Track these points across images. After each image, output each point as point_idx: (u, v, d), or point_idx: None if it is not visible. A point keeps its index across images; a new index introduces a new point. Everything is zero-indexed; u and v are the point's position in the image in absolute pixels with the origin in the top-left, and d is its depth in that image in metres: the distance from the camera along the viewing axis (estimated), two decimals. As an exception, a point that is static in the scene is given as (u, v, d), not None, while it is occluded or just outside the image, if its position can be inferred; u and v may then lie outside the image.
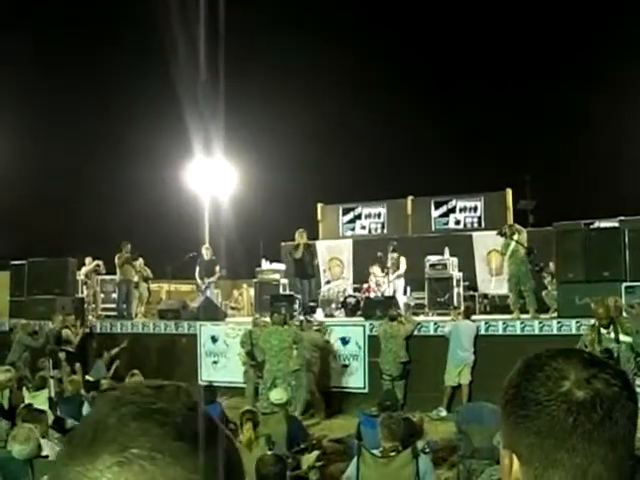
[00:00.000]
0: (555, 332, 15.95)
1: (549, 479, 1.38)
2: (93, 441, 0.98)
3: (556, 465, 1.37)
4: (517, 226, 18.28)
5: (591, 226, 20.27)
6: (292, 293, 21.53)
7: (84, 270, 23.59)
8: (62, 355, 17.79)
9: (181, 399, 1.05)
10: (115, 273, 22.34)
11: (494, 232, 22.45)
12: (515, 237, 17.42)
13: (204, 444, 1.00)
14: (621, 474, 1.38)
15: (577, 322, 15.72)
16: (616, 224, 19.39)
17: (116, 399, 1.04)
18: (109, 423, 0.99)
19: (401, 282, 20.77)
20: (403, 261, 20.57)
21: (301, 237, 20.63)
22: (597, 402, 1.37)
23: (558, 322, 16.17)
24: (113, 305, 23.07)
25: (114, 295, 23.25)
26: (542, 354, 1.47)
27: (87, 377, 16.95)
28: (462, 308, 17.82)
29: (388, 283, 20.42)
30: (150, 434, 0.98)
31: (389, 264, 20.61)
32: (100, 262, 23.53)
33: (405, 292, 21.15)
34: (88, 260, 23.66)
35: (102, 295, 24.25)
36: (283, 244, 26.64)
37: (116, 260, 21.68)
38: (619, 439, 1.37)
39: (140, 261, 22.69)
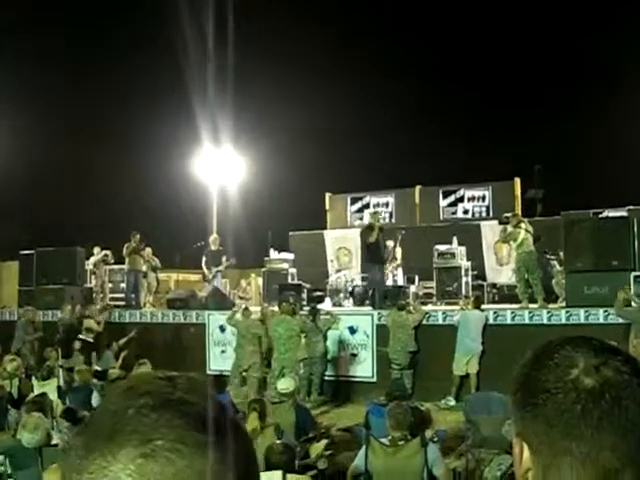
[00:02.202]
0: (564, 322, 15.91)
1: (558, 467, 1.38)
2: (113, 432, 0.96)
3: (565, 453, 1.37)
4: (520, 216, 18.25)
5: (600, 215, 20.23)
6: (300, 282, 21.54)
7: (92, 260, 23.63)
8: (77, 344, 17.88)
9: (197, 389, 1.04)
10: (124, 263, 22.38)
11: (503, 221, 22.52)
12: (523, 225, 17.36)
13: (223, 435, 0.99)
14: (631, 463, 1.37)
15: (585, 311, 15.70)
16: (625, 213, 19.36)
17: (131, 389, 1.02)
18: (128, 414, 0.98)
19: (400, 272, 20.77)
20: (399, 251, 20.57)
21: (375, 220, 19.31)
22: (606, 389, 1.36)
23: (566, 312, 16.12)
24: (122, 295, 23.12)
25: (122, 285, 23.29)
26: (552, 342, 1.47)
27: (95, 367, 16.99)
28: (472, 297, 17.77)
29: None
30: (172, 425, 0.97)
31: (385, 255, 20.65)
32: (109, 252, 23.57)
33: (412, 281, 21.15)
34: (97, 250, 23.70)
35: (110, 285, 24.31)
36: (291, 233, 26.70)
37: (124, 250, 21.71)
38: (629, 427, 1.36)
39: (148, 251, 22.70)
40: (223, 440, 0.99)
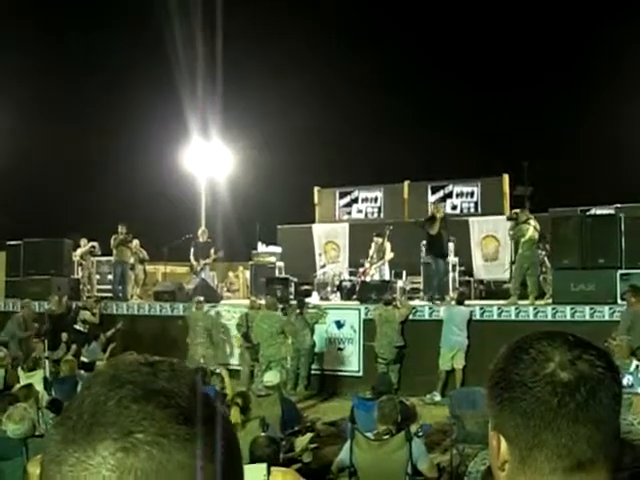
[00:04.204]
0: (550, 318, 15.98)
1: (535, 459, 1.40)
2: (93, 424, 0.95)
3: (541, 445, 1.39)
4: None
5: (587, 213, 20.28)
6: (288, 276, 21.53)
7: (79, 251, 23.54)
8: (64, 336, 17.88)
9: (180, 378, 1.02)
10: (111, 255, 22.34)
11: (490, 217, 22.53)
12: (532, 222, 17.39)
13: (206, 427, 0.98)
14: (606, 454, 1.40)
15: (572, 308, 15.78)
16: (612, 211, 19.42)
17: (112, 378, 1.00)
18: (108, 405, 0.95)
19: (386, 268, 20.76)
20: (388, 247, 20.53)
21: (437, 210, 18.84)
22: (581, 383, 1.39)
23: (553, 308, 16.20)
24: (109, 286, 23.06)
25: (110, 276, 23.22)
26: (528, 337, 1.49)
27: (82, 358, 16.98)
28: (456, 293, 17.81)
29: (370, 269, 20.49)
30: (153, 418, 0.95)
31: (372, 250, 20.65)
32: (96, 243, 23.49)
33: (399, 276, 21.16)
34: (84, 241, 23.61)
35: (97, 276, 24.24)
36: (279, 227, 26.69)
37: (112, 241, 21.67)
38: (603, 419, 1.39)
39: (136, 242, 22.63)
40: (206, 433, 0.97)
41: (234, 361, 17.81)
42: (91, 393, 0.99)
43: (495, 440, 1.46)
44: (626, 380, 9.02)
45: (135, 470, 0.92)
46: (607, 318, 15.27)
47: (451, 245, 20.81)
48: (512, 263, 20.19)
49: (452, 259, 20.73)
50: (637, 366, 8.76)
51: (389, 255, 20.57)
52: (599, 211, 20.39)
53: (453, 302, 16.93)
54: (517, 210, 18.36)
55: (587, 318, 15.58)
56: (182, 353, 18.34)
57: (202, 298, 18.65)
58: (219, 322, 19.03)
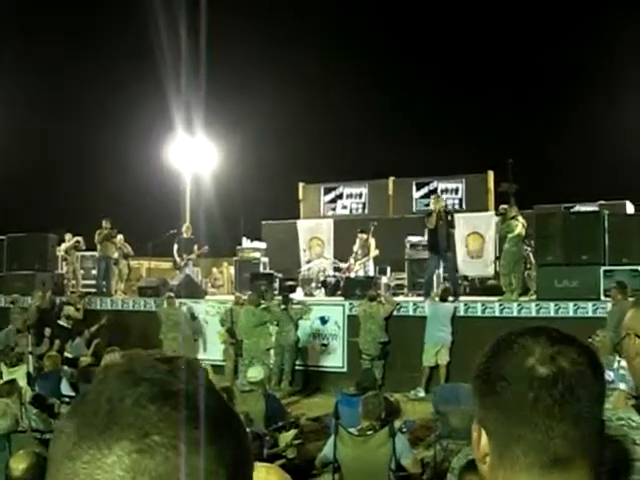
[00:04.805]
0: (534, 314, 16.02)
1: (512, 454, 1.41)
2: (109, 422, 0.94)
3: (518, 440, 1.40)
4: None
5: (571, 210, 20.32)
6: (272, 272, 21.53)
7: (64, 246, 23.47)
8: (47, 331, 17.83)
9: (197, 378, 1.01)
10: (95, 249, 22.27)
11: (475, 214, 22.55)
12: (520, 219, 17.42)
13: (221, 431, 0.98)
14: (585, 452, 1.40)
15: (556, 305, 15.82)
16: (596, 208, 19.46)
17: (127, 374, 0.99)
18: (125, 404, 0.95)
19: (371, 264, 20.76)
20: (372, 243, 20.52)
21: (437, 203, 18.37)
22: (559, 378, 1.39)
23: (537, 305, 16.25)
24: (93, 282, 23.01)
25: (94, 272, 23.17)
26: (513, 331, 1.50)
27: (66, 354, 16.94)
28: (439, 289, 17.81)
29: (355, 264, 20.51)
30: (170, 420, 0.94)
31: (356, 246, 20.65)
32: (80, 238, 23.40)
33: (384, 272, 21.17)
34: (68, 236, 23.53)
35: (82, 271, 24.16)
36: (264, 222, 26.67)
37: (96, 236, 21.60)
38: (582, 416, 1.39)
39: (120, 238, 22.57)
40: (221, 437, 0.98)
41: (217, 356, 17.78)
42: (106, 388, 0.98)
43: (476, 433, 1.47)
44: (607, 376, 9.04)
45: (150, 472, 0.92)
46: (591, 314, 15.31)
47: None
48: (497, 259, 20.26)
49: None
50: (619, 362, 8.79)
51: (374, 252, 20.59)
52: (583, 208, 20.42)
53: (437, 298, 16.95)
54: (505, 206, 18.36)
55: (571, 314, 15.63)
56: (166, 349, 18.35)
57: (172, 294, 18.72)
58: (190, 317, 19.09)
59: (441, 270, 18.89)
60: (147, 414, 0.94)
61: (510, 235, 17.37)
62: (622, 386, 8.04)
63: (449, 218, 18.06)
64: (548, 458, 1.39)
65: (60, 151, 35.68)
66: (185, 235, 22.38)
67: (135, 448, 0.92)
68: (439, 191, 25.53)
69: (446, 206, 19.54)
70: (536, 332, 1.48)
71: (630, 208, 21.21)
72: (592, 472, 1.42)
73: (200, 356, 17.63)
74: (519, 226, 17.28)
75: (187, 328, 18.52)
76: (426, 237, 20.17)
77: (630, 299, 13.72)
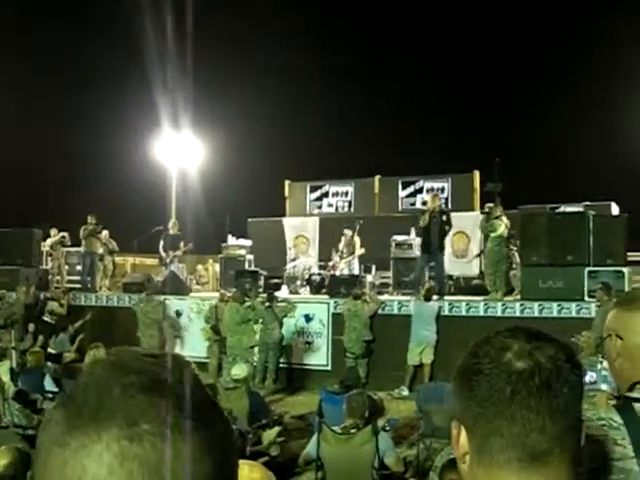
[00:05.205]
0: (518, 314, 16.09)
1: (490, 449, 1.42)
2: (98, 411, 0.95)
3: (496, 434, 1.41)
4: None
5: (556, 210, 20.39)
6: (257, 269, 21.52)
7: (49, 241, 23.40)
8: (31, 327, 17.79)
9: (183, 371, 1.03)
10: (80, 245, 22.21)
11: (461, 214, 22.56)
12: (504, 219, 17.45)
13: (207, 421, 1.00)
14: (563, 447, 1.41)
15: (540, 305, 15.90)
16: (581, 209, 19.52)
17: (115, 365, 1.01)
18: (114, 393, 0.97)
19: (356, 262, 20.79)
20: (357, 241, 20.55)
21: (432, 201, 18.48)
22: (536, 372, 1.41)
23: (521, 304, 16.32)
24: (77, 277, 22.95)
25: (78, 267, 23.11)
26: (495, 331, 1.51)
27: (50, 350, 16.90)
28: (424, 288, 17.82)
29: (339, 263, 20.54)
30: (159, 408, 0.96)
31: (342, 244, 20.68)
32: (66, 234, 23.33)
33: (369, 271, 21.20)
34: (53, 232, 23.45)
35: (67, 267, 24.09)
36: (250, 220, 26.64)
37: (81, 232, 21.54)
38: (559, 410, 1.40)
39: (105, 233, 22.53)
40: (207, 427, 0.99)
41: (202, 354, 17.76)
42: (95, 379, 1.00)
43: (456, 430, 1.49)
44: (589, 377, 9.07)
45: (138, 458, 0.93)
46: (574, 315, 15.39)
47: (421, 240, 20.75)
48: (478, 255, 20.30)
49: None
50: (601, 362, 8.82)
51: (360, 251, 20.62)
52: (568, 209, 20.51)
53: (421, 297, 16.96)
54: (491, 205, 18.38)
55: (555, 314, 15.69)
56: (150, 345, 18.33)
57: (150, 291, 18.76)
58: (169, 314, 19.11)
59: (428, 269, 18.93)
60: (135, 402, 0.96)
61: (493, 235, 17.42)
62: (604, 387, 8.07)
63: (443, 218, 18.03)
64: (526, 453, 1.40)
65: (46, 147, 35.57)
66: (172, 231, 22.33)
67: (124, 435, 0.94)
68: (425, 190, 25.57)
69: (441, 205, 19.52)
70: (515, 330, 1.50)
71: (615, 209, 21.31)
72: (571, 467, 1.43)
73: (184, 353, 17.60)
74: (502, 226, 17.32)
75: (166, 325, 18.52)
76: (412, 236, 20.23)
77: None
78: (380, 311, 17.03)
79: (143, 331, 17.84)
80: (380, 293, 19.54)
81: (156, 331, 17.92)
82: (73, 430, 0.96)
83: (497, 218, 17.45)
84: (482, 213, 18.90)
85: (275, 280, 21.15)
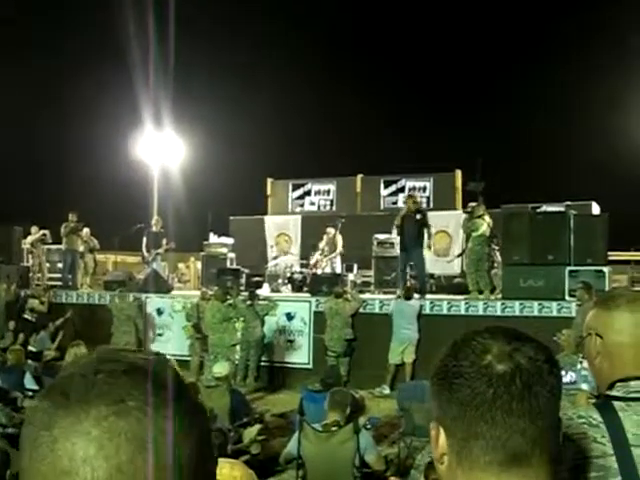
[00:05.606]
0: (499, 313, 16.14)
1: (470, 451, 1.42)
2: (85, 392, 0.99)
3: (477, 436, 1.41)
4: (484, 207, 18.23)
5: (538, 210, 20.45)
6: (239, 267, 21.51)
7: (30, 239, 23.31)
8: (11, 324, 17.72)
9: (161, 361, 1.07)
10: (61, 243, 22.14)
11: (442, 212, 22.61)
12: (486, 218, 17.47)
13: (186, 404, 1.04)
14: (543, 447, 1.42)
15: (521, 304, 15.95)
16: (562, 208, 19.59)
17: (96, 358, 1.05)
18: (99, 377, 1.00)
19: (338, 261, 20.81)
20: (340, 239, 20.57)
21: (409, 201, 18.83)
22: (517, 375, 1.41)
23: (502, 303, 16.37)
24: (59, 275, 22.87)
25: (59, 265, 23.03)
26: (472, 331, 1.52)
27: (30, 347, 16.84)
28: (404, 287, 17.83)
29: (322, 260, 20.54)
30: (141, 388, 1.00)
31: (323, 243, 20.70)
32: (46, 231, 23.24)
33: (350, 269, 21.22)
34: (34, 229, 23.37)
35: (48, 264, 24.01)
36: (232, 218, 26.61)
37: (62, 229, 21.47)
38: (539, 412, 1.41)
39: (86, 231, 22.46)
40: (186, 409, 1.03)
41: (184, 352, 17.73)
42: (79, 369, 1.03)
43: (435, 431, 1.49)
44: (569, 377, 9.10)
45: (125, 432, 0.97)
46: (555, 314, 15.45)
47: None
48: (459, 255, 20.32)
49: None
50: (581, 362, 8.86)
51: (340, 249, 20.65)
52: (549, 208, 20.57)
53: (401, 296, 16.97)
54: (473, 204, 18.41)
55: (535, 314, 15.75)
56: (131, 343, 18.30)
57: (123, 288, 18.79)
58: (146, 311, 19.12)
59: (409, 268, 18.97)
60: (121, 383, 1.00)
61: (475, 234, 17.44)
62: (584, 386, 8.12)
63: (417, 217, 18.03)
64: (506, 455, 1.40)
65: (27, 144, 35.47)
66: (154, 229, 22.28)
67: (112, 411, 0.97)
68: (407, 189, 25.60)
69: (419, 205, 19.48)
70: (494, 331, 1.50)
71: (596, 209, 21.40)
72: (550, 466, 1.43)
73: (165, 351, 17.56)
74: (484, 225, 17.35)
75: (140, 322, 18.50)
76: (393, 234, 20.23)
77: (595, 299, 13.82)
78: (362, 310, 17.05)
79: (117, 327, 17.87)
80: (362, 292, 19.55)
81: (131, 328, 17.94)
82: (61, 412, 0.98)
83: (479, 217, 17.47)
84: (465, 212, 18.93)
85: (257, 278, 21.16)
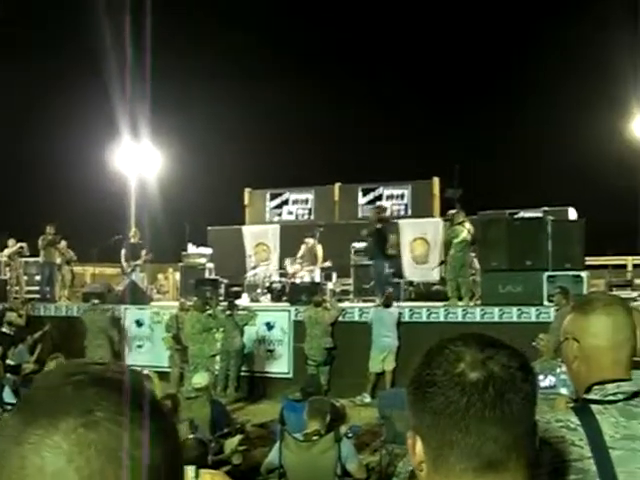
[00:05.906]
0: (478, 319, 16.18)
1: (446, 459, 1.43)
2: (53, 406, 0.98)
3: (451, 445, 1.42)
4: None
5: (515, 216, 20.53)
6: (217, 278, 21.47)
7: (7, 252, 23.20)
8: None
9: (130, 373, 1.06)
10: (38, 255, 22.06)
11: (420, 220, 22.66)
12: (467, 225, 17.50)
13: (155, 415, 1.03)
14: (518, 453, 1.42)
15: (500, 310, 16.00)
16: (539, 214, 19.68)
17: (64, 372, 1.04)
18: (66, 389, 0.99)
19: (317, 270, 20.81)
20: (319, 249, 20.59)
21: (372, 212, 19.70)
22: (490, 383, 1.41)
23: (481, 309, 16.41)
24: (36, 288, 22.78)
25: (37, 277, 22.94)
26: (446, 338, 1.52)
27: (8, 361, 16.74)
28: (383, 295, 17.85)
29: (301, 270, 20.57)
30: (110, 399, 0.99)
31: (301, 252, 20.72)
32: (24, 244, 23.15)
33: (329, 278, 21.21)
34: (11, 242, 23.26)
35: (25, 277, 23.91)
36: (210, 228, 26.56)
37: (39, 242, 21.40)
38: (513, 420, 1.41)
39: (64, 243, 22.39)
40: (155, 419, 1.02)
41: (163, 363, 17.69)
42: (47, 383, 1.03)
43: (411, 440, 1.49)
44: (548, 381, 9.14)
45: (95, 444, 0.96)
46: (534, 319, 15.51)
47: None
48: (441, 263, 20.34)
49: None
50: (561, 367, 8.89)
51: (324, 264, 20.68)
52: (527, 214, 20.65)
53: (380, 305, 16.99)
54: (453, 211, 18.45)
55: (514, 319, 15.81)
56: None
57: (97, 300, 18.72)
58: (121, 323, 19.07)
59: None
60: (88, 394, 0.99)
61: (455, 241, 17.48)
62: (564, 391, 8.14)
63: (378, 226, 18.43)
64: (481, 462, 1.41)
65: (2, 156, 35.27)
66: (133, 240, 22.23)
67: (80, 423, 0.97)
68: (384, 197, 25.65)
69: (384, 214, 19.70)
70: (467, 338, 1.51)
71: (573, 214, 21.50)
72: (526, 471, 1.44)
73: (145, 363, 17.50)
74: (464, 232, 17.38)
75: (114, 334, 18.44)
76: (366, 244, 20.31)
77: (573, 304, 13.87)
78: (341, 318, 17.06)
79: (91, 340, 17.78)
80: (341, 300, 19.58)
81: (104, 340, 17.87)
82: (30, 427, 0.97)
83: (460, 224, 17.51)
84: (444, 220, 19.00)
85: (236, 288, 21.12)
